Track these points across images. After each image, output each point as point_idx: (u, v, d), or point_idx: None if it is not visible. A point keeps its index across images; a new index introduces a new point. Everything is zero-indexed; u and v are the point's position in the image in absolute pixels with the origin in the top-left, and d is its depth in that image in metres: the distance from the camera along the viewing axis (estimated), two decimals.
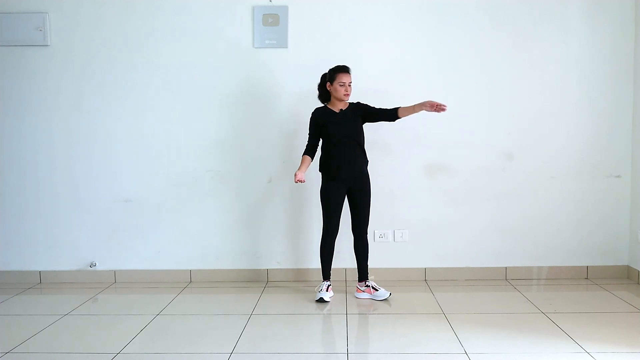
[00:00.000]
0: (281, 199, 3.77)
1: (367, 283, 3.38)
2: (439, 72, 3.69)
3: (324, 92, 3.35)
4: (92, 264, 3.81)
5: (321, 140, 3.37)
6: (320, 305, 3.24)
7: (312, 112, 3.37)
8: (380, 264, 3.72)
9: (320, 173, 3.37)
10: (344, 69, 3.25)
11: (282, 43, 3.66)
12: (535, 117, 3.69)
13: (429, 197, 3.74)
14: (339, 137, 3.27)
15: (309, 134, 3.38)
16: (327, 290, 3.31)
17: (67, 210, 3.79)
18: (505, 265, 3.77)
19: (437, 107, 3.12)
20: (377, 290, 3.34)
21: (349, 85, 3.25)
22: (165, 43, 3.70)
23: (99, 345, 2.64)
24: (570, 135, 3.70)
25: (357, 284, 3.43)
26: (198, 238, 3.79)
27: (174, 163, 3.76)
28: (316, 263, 3.76)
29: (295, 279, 3.79)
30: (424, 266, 3.77)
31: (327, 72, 3.31)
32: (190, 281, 3.80)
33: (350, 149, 3.28)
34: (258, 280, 3.79)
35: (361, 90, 3.65)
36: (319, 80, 3.37)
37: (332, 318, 3.03)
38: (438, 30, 3.66)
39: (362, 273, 3.41)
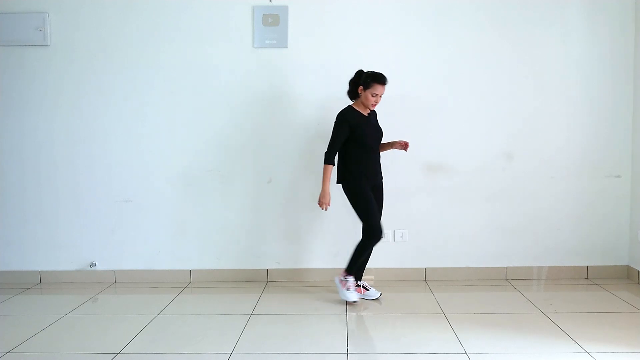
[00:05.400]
0: (281, 199, 3.77)
1: (358, 282, 3.37)
2: (440, 73, 3.69)
3: (354, 90, 3.22)
4: (92, 264, 3.81)
5: (347, 145, 3.19)
6: (321, 305, 3.23)
7: (342, 113, 3.19)
8: (380, 264, 3.73)
9: (346, 178, 3.20)
10: (381, 81, 3.11)
11: (282, 43, 3.66)
12: (535, 117, 3.69)
13: (429, 197, 3.74)
14: (371, 141, 3.20)
15: (335, 137, 3.16)
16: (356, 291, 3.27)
17: (68, 210, 3.79)
18: (505, 265, 3.77)
19: (406, 146, 3.27)
20: (367, 290, 3.34)
21: (380, 97, 3.15)
22: (165, 43, 3.70)
23: (99, 345, 2.64)
24: (570, 135, 3.70)
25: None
26: (198, 238, 3.79)
27: (174, 163, 3.76)
28: (316, 263, 3.77)
29: (295, 279, 3.79)
30: (424, 266, 3.77)
31: (363, 70, 3.20)
32: (190, 281, 3.80)
33: (377, 154, 3.28)
34: (258, 280, 3.79)
35: None
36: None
37: (332, 318, 3.03)
38: (438, 31, 3.66)
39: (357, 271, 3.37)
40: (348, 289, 3.21)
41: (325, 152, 3.19)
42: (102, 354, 2.54)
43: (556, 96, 3.68)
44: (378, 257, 3.70)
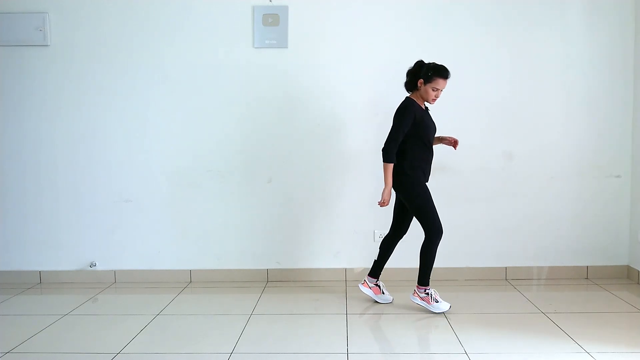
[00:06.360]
0: (281, 199, 3.76)
1: (377, 282, 3.30)
2: None
3: (412, 81, 3.03)
4: (92, 264, 3.81)
5: (408, 139, 3.00)
6: (321, 305, 3.23)
7: (406, 105, 2.98)
8: None
9: (404, 174, 3.01)
10: (444, 75, 2.93)
11: (282, 43, 3.66)
12: (535, 117, 3.69)
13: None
14: (431, 137, 3.05)
15: (397, 130, 2.95)
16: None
17: (68, 210, 3.79)
18: (505, 265, 3.77)
19: (455, 143, 3.17)
20: (382, 293, 3.26)
21: (441, 92, 2.99)
22: (165, 43, 3.69)
23: (99, 345, 2.64)
24: (570, 135, 3.70)
25: (367, 277, 3.30)
26: (198, 238, 3.79)
27: (174, 163, 3.76)
28: (316, 263, 3.77)
29: (295, 279, 3.79)
30: None
31: (424, 62, 3.00)
32: (190, 281, 3.80)
33: (433, 151, 3.11)
34: (258, 280, 3.79)
35: (360, 89, 3.67)
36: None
37: (332, 318, 3.03)
38: (438, 31, 3.66)
39: (378, 271, 3.29)
40: (437, 301, 3.03)
41: (384, 149, 2.97)
42: (102, 354, 2.54)
43: (556, 96, 3.68)
44: None
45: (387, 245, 3.27)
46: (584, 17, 3.63)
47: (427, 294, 3.06)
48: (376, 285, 3.29)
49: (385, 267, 3.73)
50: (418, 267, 3.08)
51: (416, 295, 3.09)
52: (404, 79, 3.64)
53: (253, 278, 3.79)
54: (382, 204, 3.02)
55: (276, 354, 2.51)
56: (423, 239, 3.06)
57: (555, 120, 3.70)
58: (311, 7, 3.65)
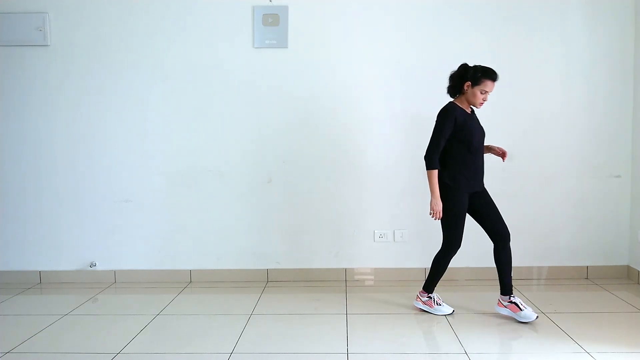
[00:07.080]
0: (281, 199, 3.76)
1: (510, 298, 2.96)
2: (439, 73, 3.64)
3: (457, 85, 2.89)
4: (92, 264, 3.81)
5: (449, 145, 2.88)
6: (321, 305, 3.23)
7: (447, 109, 2.87)
8: (380, 264, 3.73)
9: (443, 182, 2.88)
10: (493, 77, 2.81)
11: (282, 43, 3.66)
12: (535, 117, 3.69)
13: (429, 197, 3.73)
14: (476, 143, 2.88)
15: (438, 135, 2.84)
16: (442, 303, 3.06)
17: (67, 210, 3.79)
18: None
19: (503, 155, 3.05)
20: (521, 310, 2.89)
21: (488, 95, 2.86)
22: (165, 43, 3.69)
23: (99, 345, 2.64)
24: (570, 135, 3.70)
25: (500, 297, 3.00)
26: (198, 238, 3.79)
27: (174, 163, 3.76)
28: (316, 263, 3.77)
29: (295, 279, 3.79)
30: (423, 266, 3.76)
31: (468, 64, 2.88)
32: (190, 281, 3.80)
33: (482, 157, 2.95)
34: (258, 280, 3.79)
35: (360, 90, 3.67)
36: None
37: (332, 318, 3.03)
38: (437, 31, 3.66)
39: (506, 286, 2.97)
40: (439, 304, 3.04)
41: (426, 156, 2.86)
42: (102, 354, 2.54)
43: (556, 96, 3.68)
44: (378, 257, 3.71)
45: (495, 256, 3.00)
46: (584, 17, 3.63)
47: (430, 297, 3.07)
48: (511, 302, 2.93)
49: (384, 267, 3.74)
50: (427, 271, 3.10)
51: (419, 299, 3.10)
52: (404, 77, 3.66)
53: (253, 278, 3.79)
54: (434, 215, 2.88)
55: (276, 354, 2.51)
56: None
57: (555, 120, 3.70)
58: (311, 7, 3.66)
